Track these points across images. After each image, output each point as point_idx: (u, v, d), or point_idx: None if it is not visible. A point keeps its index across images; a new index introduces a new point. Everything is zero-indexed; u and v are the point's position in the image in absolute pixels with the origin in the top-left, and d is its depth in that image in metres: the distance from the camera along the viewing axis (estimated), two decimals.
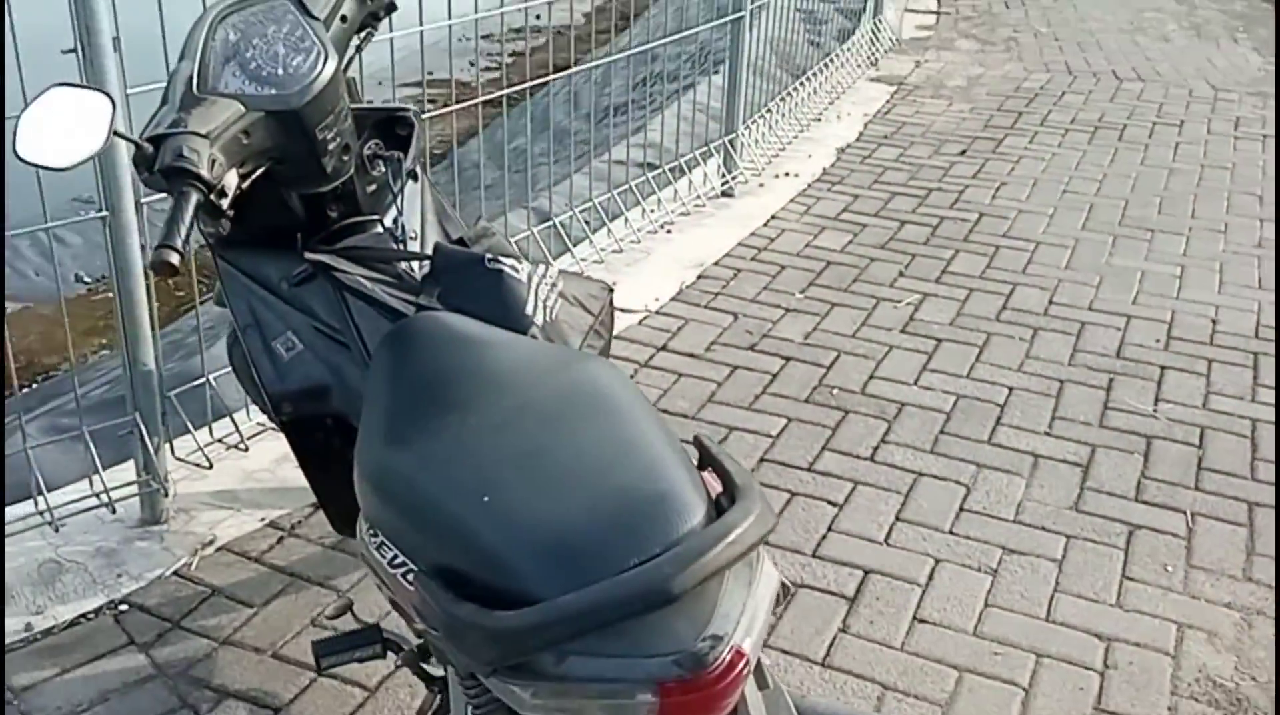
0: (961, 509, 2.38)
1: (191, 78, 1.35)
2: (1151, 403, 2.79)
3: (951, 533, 2.30)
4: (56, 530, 2.17)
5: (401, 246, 1.57)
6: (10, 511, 2.19)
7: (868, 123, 4.98)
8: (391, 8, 1.66)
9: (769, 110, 4.57)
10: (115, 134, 1.30)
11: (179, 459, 2.38)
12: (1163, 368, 2.96)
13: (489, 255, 1.53)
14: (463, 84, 13.64)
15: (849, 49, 5.55)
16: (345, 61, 1.54)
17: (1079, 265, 3.56)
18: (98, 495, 2.23)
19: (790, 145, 4.58)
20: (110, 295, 4.05)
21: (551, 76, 3.64)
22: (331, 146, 1.45)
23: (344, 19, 1.53)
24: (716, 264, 3.54)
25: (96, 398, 2.82)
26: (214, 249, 1.62)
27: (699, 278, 3.44)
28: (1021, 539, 2.29)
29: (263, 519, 2.29)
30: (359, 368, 1.49)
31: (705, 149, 4.10)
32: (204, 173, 1.24)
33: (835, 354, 3.00)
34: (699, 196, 3.95)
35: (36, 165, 1.27)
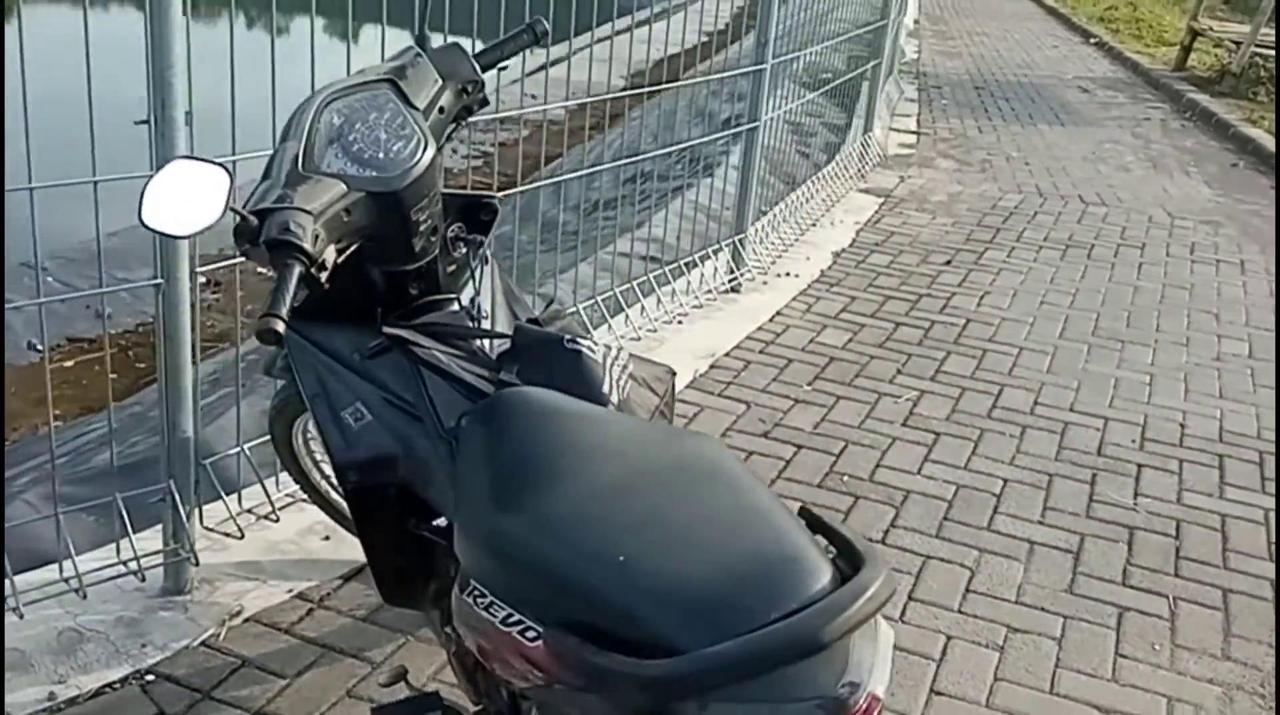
0: (968, 590, 2.60)
1: (297, 156, 1.41)
2: (1132, 497, 3.06)
3: (960, 612, 2.52)
4: (84, 597, 2.16)
5: (476, 325, 1.65)
6: (27, 578, 2.18)
7: (859, 230, 5.33)
8: (484, 102, 1.74)
9: (771, 214, 4.89)
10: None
11: (208, 529, 2.40)
12: (1140, 466, 3.24)
13: (567, 335, 1.60)
14: (448, 171, 14.07)
15: (841, 162, 5.94)
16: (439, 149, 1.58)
17: (1059, 370, 3.87)
18: (125, 563, 2.22)
19: (790, 247, 4.90)
20: (68, 364, 4.07)
21: (557, 178, 3.91)
22: (422, 228, 1.52)
23: (441, 110, 1.62)
24: (727, 355, 3.80)
25: (99, 464, 2.81)
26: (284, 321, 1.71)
27: (711, 367, 3.69)
28: (1024, 618, 2.51)
29: (290, 590, 2.31)
30: (430, 439, 1.53)
31: (716, 247, 4.39)
32: (308, 246, 1.28)
33: (843, 443, 3.25)
34: (709, 291, 4.23)
35: (158, 232, 1.36)
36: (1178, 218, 5.90)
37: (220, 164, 1.38)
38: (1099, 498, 3.04)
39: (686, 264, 4.23)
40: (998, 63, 11.20)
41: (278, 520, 2.52)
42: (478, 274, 1.69)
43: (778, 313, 4.20)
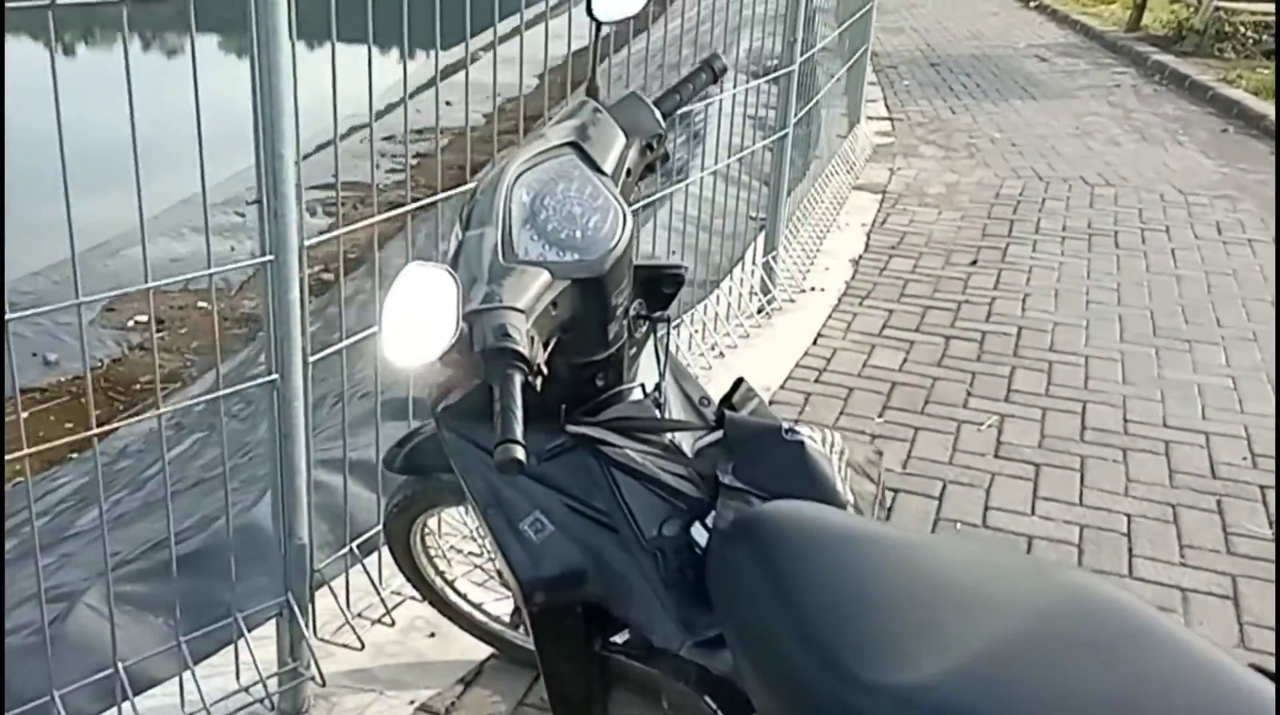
0: None
1: (496, 245, 1.27)
2: (1268, 525, 2.78)
3: None
4: None
5: (662, 414, 1.47)
6: (147, 705, 1.94)
7: (869, 232, 5.02)
8: (666, 158, 1.57)
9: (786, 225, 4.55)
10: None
11: (324, 640, 2.13)
12: (1261, 488, 2.96)
13: (784, 424, 1.42)
14: (368, 186, 13.36)
15: (839, 159, 5.62)
16: None
17: (1136, 379, 3.58)
18: (248, 689, 1.98)
19: (814, 259, 4.56)
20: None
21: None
22: (619, 312, 1.36)
23: (628, 172, 1.48)
24: (783, 388, 3.45)
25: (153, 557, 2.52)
26: (439, 420, 1.50)
27: (770, 405, 3.33)
28: None
29: (412, 702, 2.08)
30: (627, 551, 1.39)
31: (740, 265, 4.03)
32: (526, 351, 1.12)
33: (940, 484, 2.92)
34: (740, 317, 3.87)
35: (401, 367, 1.16)
36: (1189, 194, 5.68)
37: (445, 267, 1.18)
38: (1234, 529, 2.75)
39: (706, 285, 3.87)
40: (945, 36, 11.00)
41: (393, 624, 2.23)
42: (662, 356, 1.50)
43: (819, 335, 3.86)
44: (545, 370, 1.17)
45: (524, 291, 1.20)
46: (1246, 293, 4.34)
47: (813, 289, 4.28)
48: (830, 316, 4.03)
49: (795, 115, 3.92)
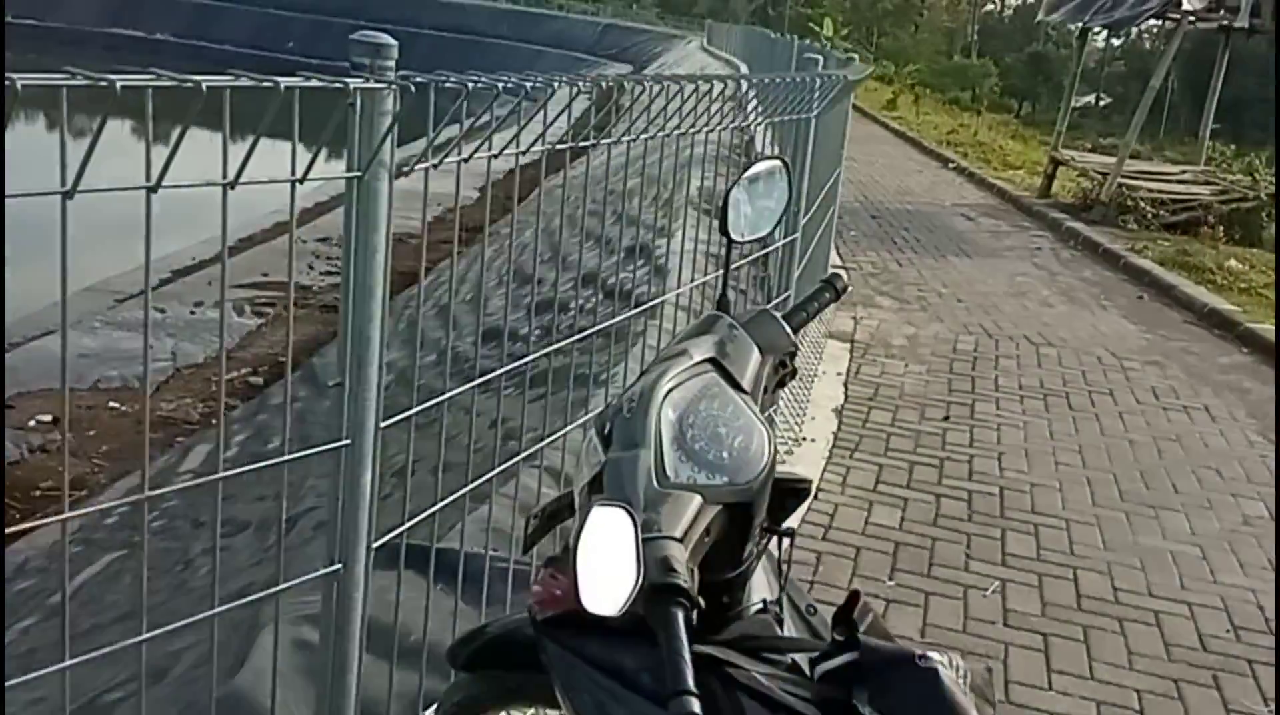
0: None
1: (650, 469, 1.22)
2: (1262, 702, 2.99)
3: None
4: None
5: (782, 631, 1.43)
6: None
7: (846, 382, 5.26)
8: (795, 372, 1.57)
9: None
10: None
11: None
12: (1250, 662, 3.18)
13: (919, 651, 1.38)
14: (303, 288, 13.18)
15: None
16: None
17: (1115, 545, 3.83)
18: None
19: (804, 407, 4.76)
20: None
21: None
22: (757, 531, 1.32)
23: (766, 389, 1.48)
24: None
25: None
26: (539, 628, 1.43)
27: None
28: None
29: None
30: None
31: None
32: (689, 586, 1.08)
33: (958, 652, 3.05)
34: None
35: (597, 613, 1.08)
36: (1123, 358, 6.13)
37: (619, 503, 1.11)
38: (1234, 706, 2.95)
39: None
40: (878, 189, 11.67)
41: None
42: (785, 570, 1.44)
43: (818, 489, 4.01)
44: (703, 603, 1.13)
45: (680, 518, 1.16)
46: (1193, 460, 4.69)
47: (805, 439, 4.46)
48: (825, 469, 4.20)
49: (797, 273, 4.15)
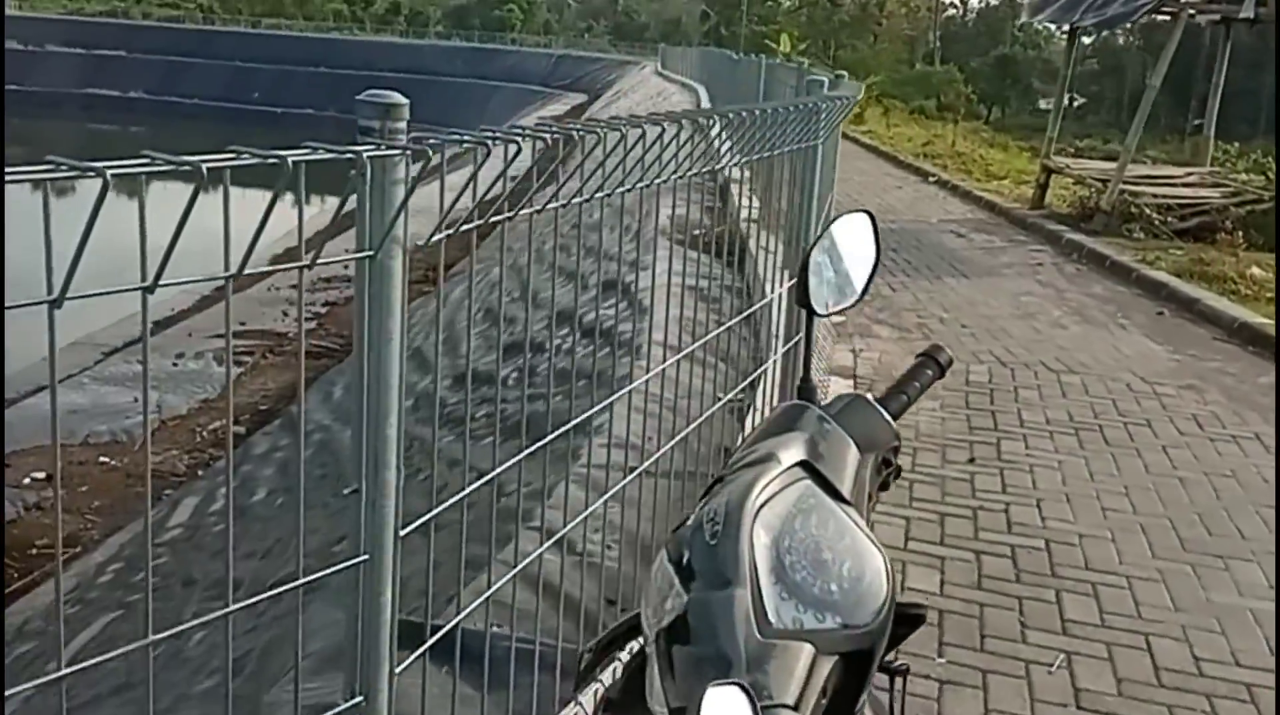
0: None
1: (749, 613, 1.02)
2: None
3: None
4: None
5: None
6: None
7: None
8: (898, 472, 1.34)
9: None
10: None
11: None
12: None
13: None
14: (278, 335, 12.72)
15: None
16: None
17: (1186, 604, 3.36)
18: None
19: None
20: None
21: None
22: (873, 677, 1.12)
23: (870, 496, 1.26)
24: None
25: None
26: None
27: None
28: None
29: None
30: None
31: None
32: None
33: None
34: None
35: None
36: (1154, 384, 5.69)
37: (737, 684, 0.91)
38: None
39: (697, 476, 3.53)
40: (858, 208, 11.27)
41: None
42: (897, 709, 1.25)
43: None
44: None
45: (791, 678, 0.99)
46: (1254, 497, 4.24)
47: None
48: None
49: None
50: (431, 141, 1.46)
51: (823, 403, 1.29)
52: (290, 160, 1.24)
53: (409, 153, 1.43)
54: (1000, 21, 50.59)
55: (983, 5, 54.45)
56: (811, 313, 1.40)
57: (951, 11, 54.62)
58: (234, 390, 9.67)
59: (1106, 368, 5.95)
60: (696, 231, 8.75)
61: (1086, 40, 44.27)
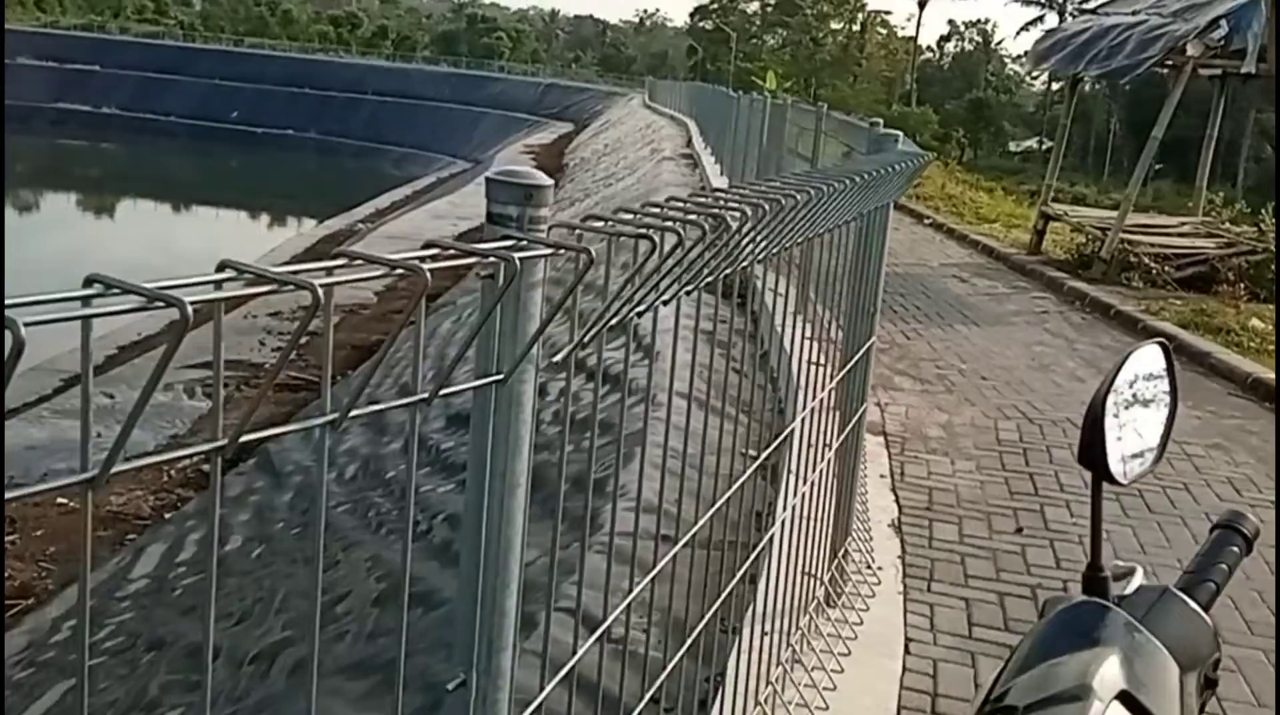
0: None
1: None
2: None
3: None
4: None
5: None
6: None
7: (893, 487, 4.62)
8: (1214, 686, 1.07)
9: None
10: None
11: None
12: None
13: None
14: (254, 365, 12.38)
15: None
16: None
17: (1268, 699, 3.19)
18: None
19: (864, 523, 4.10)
20: None
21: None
22: None
23: None
24: None
25: None
26: None
27: None
28: None
29: None
30: None
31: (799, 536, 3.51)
32: None
33: None
34: (813, 630, 3.32)
35: None
36: (1182, 442, 5.55)
37: None
38: None
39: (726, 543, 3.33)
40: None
41: None
42: None
43: (908, 640, 3.34)
44: None
45: None
46: None
47: (870, 567, 3.79)
48: (907, 612, 3.53)
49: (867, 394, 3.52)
50: (587, 236, 1.23)
51: (1116, 597, 1.05)
52: (428, 271, 0.98)
53: (562, 251, 1.15)
54: (974, 66, 51.40)
55: (958, 50, 55.23)
56: (1103, 480, 1.14)
57: (928, 55, 55.41)
58: (206, 426, 9.36)
59: None
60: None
61: (1055, 86, 45.03)
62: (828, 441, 3.21)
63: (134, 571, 6.15)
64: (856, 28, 51.25)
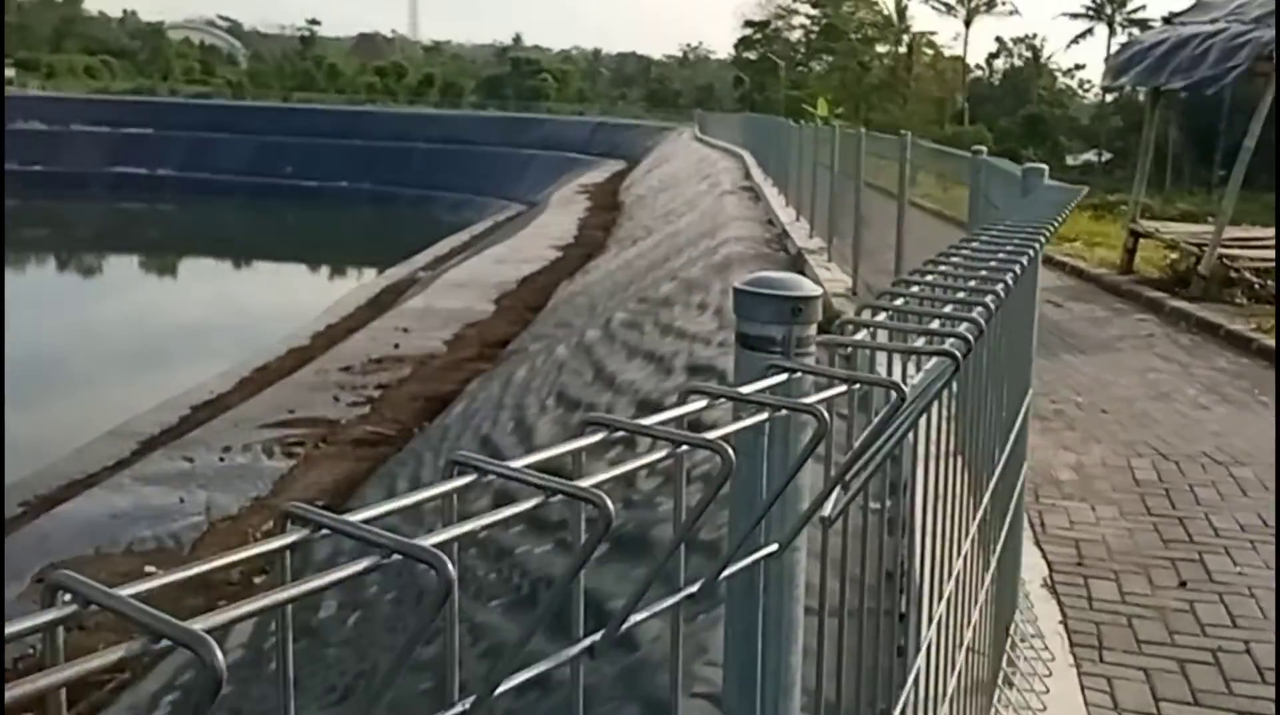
0: None
1: None
2: None
3: None
4: None
5: None
6: None
7: (1037, 540, 4.32)
8: None
9: None
10: None
11: None
12: None
13: None
14: (329, 422, 12.25)
15: None
16: None
17: None
18: None
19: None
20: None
21: None
22: None
23: None
24: None
25: None
26: None
27: None
28: None
29: None
30: None
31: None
32: None
33: None
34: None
35: None
36: None
37: None
38: None
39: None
40: None
41: None
42: None
43: None
44: None
45: None
46: None
47: (1033, 637, 3.50)
48: (1083, 689, 3.23)
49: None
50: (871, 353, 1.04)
51: None
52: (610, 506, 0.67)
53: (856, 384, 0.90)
54: (1025, 81, 50.73)
55: (1007, 66, 54.57)
56: None
57: (977, 73, 54.83)
58: (288, 487, 9.27)
59: (1272, 456, 5.44)
60: None
61: (1110, 98, 44.24)
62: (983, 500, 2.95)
63: (227, 642, 6.06)
64: (903, 50, 50.90)
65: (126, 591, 0.48)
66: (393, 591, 5.96)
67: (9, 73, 65.74)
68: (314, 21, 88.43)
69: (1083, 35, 43.21)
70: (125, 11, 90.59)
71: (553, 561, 4.99)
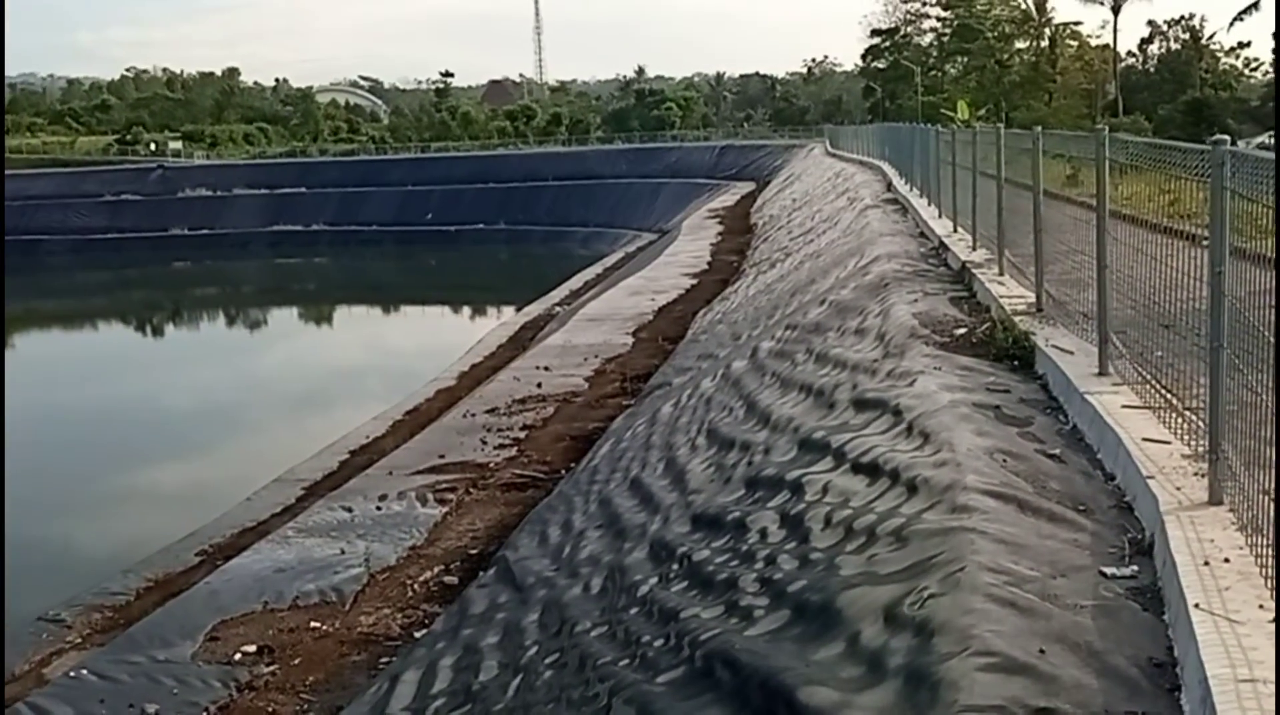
0: None
1: None
2: None
3: None
4: None
5: None
6: None
7: None
8: None
9: None
10: None
11: None
12: None
13: None
14: (478, 466, 11.80)
15: None
16: None
17: None
18: None
19: None
20: None
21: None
22: None
23: None
24: None
25: None
26: None
27: None
28: None
29: None
30: None
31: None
32: None
33: None
34: None
35: None
36: None
37: None
38: None
39: None
40: (1142, 286, 9.68)
41: None
42: None
43: None
44: None
45: None
46: None
47: None
48: None
49: None
50: None
51: None
52: None
53: None
54: (1184, 66, 47.56)
55: (1162, 51, 51.24)
56: None
57: (1130, 60, 51.73)
58: (442, 534, 9.02)
59: None
60: (959, 330, 7.43)
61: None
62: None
63: (392, 705, 5.81)
64: (1044, 44, 48.47)
65: None
66: (552, 655, 5.42)
67: (175, 144, 70.24)
68: (447, 74, 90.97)
69: (1247, 10, 40.09)
70: (278, 79, 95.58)
71: (723, 624, 4.38)
